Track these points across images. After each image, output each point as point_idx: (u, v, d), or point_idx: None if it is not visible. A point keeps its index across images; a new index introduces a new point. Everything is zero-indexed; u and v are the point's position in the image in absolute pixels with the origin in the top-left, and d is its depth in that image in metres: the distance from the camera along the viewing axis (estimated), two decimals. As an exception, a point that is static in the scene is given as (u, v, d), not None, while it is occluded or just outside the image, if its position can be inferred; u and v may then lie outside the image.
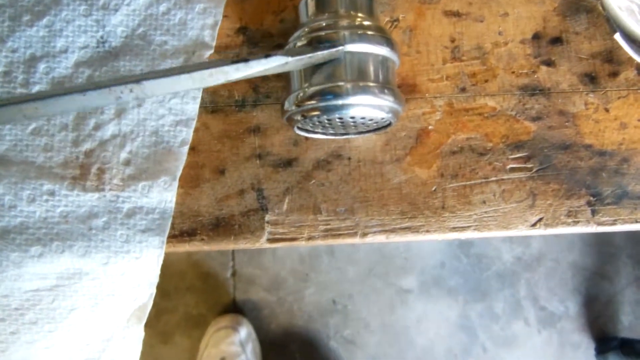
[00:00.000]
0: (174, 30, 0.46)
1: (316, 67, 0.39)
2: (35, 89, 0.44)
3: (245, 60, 0.36)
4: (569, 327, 1.50)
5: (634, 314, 1.51)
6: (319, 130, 0.44)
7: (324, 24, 0.39)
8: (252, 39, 0.46)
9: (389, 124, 0.42)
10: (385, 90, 0.39)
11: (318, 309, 1.47)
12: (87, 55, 0.45)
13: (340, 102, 0.38)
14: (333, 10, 0.40)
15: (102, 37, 0.45)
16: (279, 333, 1.45)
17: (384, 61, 0.40)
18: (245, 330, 1.35)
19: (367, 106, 0.38)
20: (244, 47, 0.46)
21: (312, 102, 0.38)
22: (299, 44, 0.39)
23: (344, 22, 0.39)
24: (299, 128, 0.43)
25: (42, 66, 0.45)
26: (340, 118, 0.40)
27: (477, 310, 1.49)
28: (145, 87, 0.34)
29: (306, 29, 0.40)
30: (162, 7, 0.46)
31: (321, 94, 0.38)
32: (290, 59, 0.37)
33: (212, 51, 0.46)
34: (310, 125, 0.42)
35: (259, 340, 1.40)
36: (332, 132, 0.44)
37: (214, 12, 0.46)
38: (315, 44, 0.39)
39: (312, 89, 0.39)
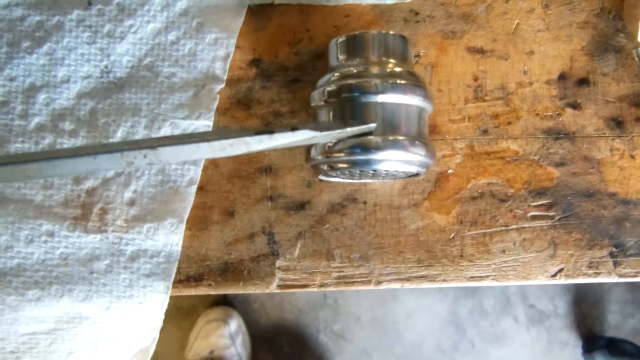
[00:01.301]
0: (183, 61, 0.43)
1: (346, 113, 0.37)
2: (35, 120, 0.42)
3: (270, 132, 0.33)
4: (557, 325, 1.51)
5: (622, 313, 1.52)
6: (344, 177, 0.42)
7: (354, 71, 0.37)
8: (266, 71, 0.44)
9: (417, 174, 0.40)
10: (417, 143, 0.37)
11: (308, 302, 1.46)
12: (90, 85, 0.43)
13: (369, 157, 0.36)
14: (364, 55, 0.38)
15: (106, 66, 0.43)
16: (269, 326, 1.44)
17: (416, 111, 0.38)
18: (235, 323, 1.34)
19: (397, 161, 0.36)
20: (257, 81, 0.44)
21: (340, 155, 0.36)
22: (328, 89, 0.37)
23: (376, 70, 0.37)
24: (323, 175, 0.41)
25: (42, 96, 0.42)
26: (370, 170, 0.38)
27: (467, 306, 1.50)
28: (161, 154, 0.31)
29: (336, 74, 0.38)
30: (171, 36, 0.43)
31: (350, 147, 0.36)
32: (318, 134, 0.35)
33: (223, 85, 0.43)
34: (336, 173, 0.40)
35: (249, 334, 1.40)
36: (357, 178, 0.42)
37: (226, 42, 0.43)
38: (345, 92, 0.36)
39: (338, 143, 0.37)
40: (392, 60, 0.38)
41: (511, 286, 1.50)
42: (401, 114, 0.37)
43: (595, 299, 1.50)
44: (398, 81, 0.36)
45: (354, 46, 0.38)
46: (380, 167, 0.36)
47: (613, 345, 1.39)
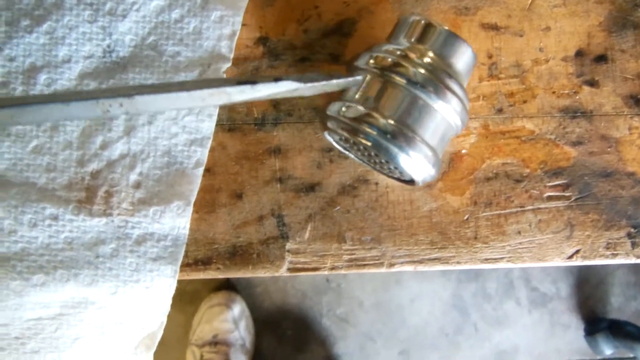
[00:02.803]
0: (188, 40, 0.42)
1: (375, 89, 0.36)
2: (36, 102, 0.41)
3: (252, 82, 0.32)
4: (560, 307, 1.51)
5: (624, 295, 1.52)
6: (345, 146, 0.40)
7: (409, 54, 0.36)
8: (274, 50, 0.43)
9: (412, 182, 0.39)
10: (431, 155, 0.36)
11: (312, 287, 1.46)
12: (92, 65, 0.41)
13: (380, 141, 0.35)
14: (427, 47, 0.37)
15: (108, 46, 0.41)
16: (272, 311, 1.44)
17: (443, 124, 0.36)
18: (238, 308, 1.34)
19: (404, 158, 0.35)
20: (264, 60, 0.43)
21: (356, 123, 0.35)
22: (375, 54, 0.36)
23: (429, 63, 0.36)
24: (329, 134, 0.40)
25: (42, 77, 0.41)
26: (374, 154, 0.37)
27: (470, 289, 1.50)
28: (138, 102, 0.30)
29: (392, 48, 0.37)
30: (175, 14, 0.42)
31: (368, 122, 0.35)
32: (301, 85, 0.34)
33: (229, 64, 0.42)
34: (339, 138, 0.39)
35: (252, 318, 1.40)
36: (355, 155, 0.41)
37: (232, 20, 0.42)
38: (387, 67, 0.35)
39: (359, 110, 0.36)
40: (451, 67, 0.37)
41: (514, 270, 1.50)
42: (427, 115, 0.35)
43: (597, 281, 1.50)
44: (441, 83, 0.35)
45: (425, 34, 0.37)
46: (387, 155, 0.35)
47: (615, 327, 1.40)
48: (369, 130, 0.35)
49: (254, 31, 0.43)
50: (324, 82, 0.34)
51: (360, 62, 0.37)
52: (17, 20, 0.40)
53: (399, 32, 0.38)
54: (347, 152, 0.41)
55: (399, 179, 0.41)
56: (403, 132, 0.35)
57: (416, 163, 0.36)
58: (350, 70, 0.38)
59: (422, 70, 0.35)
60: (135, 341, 0.44)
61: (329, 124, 0.38)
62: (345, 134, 0.36)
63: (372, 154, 0.37)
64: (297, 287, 1.46)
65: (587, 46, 0.43)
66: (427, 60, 0.36)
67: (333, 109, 0.37)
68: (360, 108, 0.36)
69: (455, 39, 0.37)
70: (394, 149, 0.35)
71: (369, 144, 0.35)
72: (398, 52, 0.36)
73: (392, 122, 0.35)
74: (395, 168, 0.37)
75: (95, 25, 0.41)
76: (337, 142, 0.41)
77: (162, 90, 0.31)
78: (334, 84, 0.35)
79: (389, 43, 0.37)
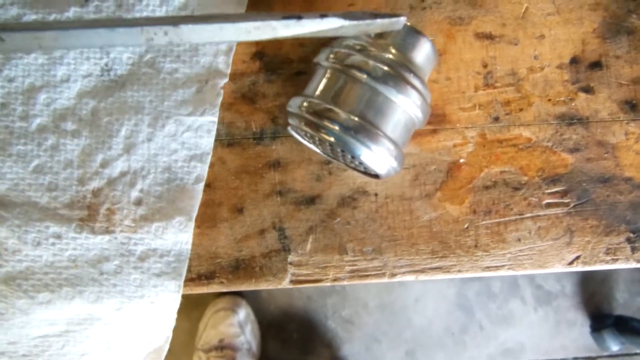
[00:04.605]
0: (185, 56, 0.42)
1: (335, 84, 0.36)
2: (36, 122, 0.41)
3: (298, 17, 0.32)
4: (565, 305, 1.51)
5: (629, 291, 1.52)
6: (309, 141, 0.41)
7: (369, 47, 0.36)
8: (270, 64, 0.43)
9: (376, 176, 0.39)
10: (393, 149, 0.36)
11: (316, 289, 1.46)
12: (90, 84, 0.42)
13: (342, 136, 0.35)
14: (388, 42, 0.37)
15: (106, 64, 0.42)
16: (277, 314, 1.45)
17: (404, 117, 0.37)
18: (244, 312, 1.35)
19: (366, 153, 0.35)
20: (261, 74, 0.43)
21: (317, 119, 0.36)
22: (336, 49, 0.37)
23: (388, 57, 0.36)
24: (293, 129, 0.40)
25: (42, 97, 0.41)
26: (339, 149, 0.37)
27: (475, 289, 1.50)
28: (183, 32, 0.29)
29: (352, 43, 0.37)
30: (172, 32, 0.42)
31: (329, 118, 0.35)
32: (346, 22, 0.33)
33: (227, 79, 0.42)
34: (304, 134, 0.39)
35: (258, 321, 1.40)
36: (320, 149, 0.41)
37: (229, 36, 0.42)
38: (344, 62, 0.36)
39: (320, 105, 0.36)
40: (411, 61, 0.37)
41: (518, 268, 1.49)
42: (388, 109, 0.36)
43: (602, 278, 1.50)
44: (401, 78, 0.35)
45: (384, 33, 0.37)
46: (345, 147, 0.35)
47: (621, 323, 1.39)
48: (330, 125, 0.35)
49: (250, 46, 0.43)
50: (368, 21, 0.34)
51: (321, 58, 0.38)
52: (16, 42, 0.41)
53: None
54: (312, 147, 0.42)
55: (365, 173, 0.41)
56: (365, 127, 0.35)
57: (379, 157, 0.36)
58: (312, 66, 0.39)
59: (382, 65, 0.35)
60: (141, 356, 0.44)
61: (291, 120, 0.38)
62: (308, 130, 0.36)
63: (337, 149, 0.37)
64: (302, 290, 1.46)
65: (582, 53, 0.44)
66: (387, 55, 0.36)
67: (294, 104, 0.37)
68: (322, 104, 0.36)
69: (415, 34, 0.37)
70: (357, 144, 0.35)
71: (332, 139, 0.35)
72: (358, 47, 0.36)
73: (353, 117, 0.35)
74: (360, 163, 0.38)
75: (93, 44, 0.41)
76: (302, 137, 0.41)
77: (207, 21, 0.31)
78: (378, 23, 0.34)
79: (350, 38, 0.37)
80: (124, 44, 0.31)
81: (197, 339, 1.34)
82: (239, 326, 1.32)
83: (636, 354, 1.47)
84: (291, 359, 1.44)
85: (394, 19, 0.35)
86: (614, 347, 1.39)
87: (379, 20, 0.34)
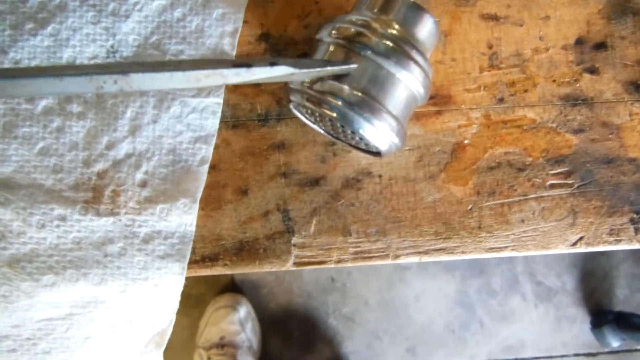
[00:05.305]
0: (191, 38, 0.42)
1: (347, 58, 0.36)
2: (42, 104, 0.41)
3: (248, 65, 0.32)
4: (566, 301, 1.51)
5: (630, 287, 1.52)
6: (310, 119, 0.41)
7: (372, 23, 0.36)
8: (275, 46, 0.43)
9: (379, 154, 0.39)
10: (395, 125, 0.36)
11: (317, 287, 1.46)
12: (96, 66, 0.41)
13: (346, 111, 0.35)
14: (391, 18, 0.37)
15: (112, 46, 0.42)
16: (278, 311, 1.45)
17: (406, 92, 0.36)
18: (244, 309, 1.35)
19: (369, 129, 0.35)
20: (266, 56, 0.43)
21: (320, 95, 0.35)
22: (338, 25, 0.36)
23: (391, 32, 0.36)
24: (294, 107, 0.40)
25: (47, 79, 0.41)
26: (340, 125, 0.37)
27: (475, 286, 1.50)
28: (132, 80, 0.29)
29: (354, 19, 0.37)
30: (177, 13, 0.42)
31: (332, 93, 0.35)
32: (297, 70, 0.34)
33: (231, 61, 0.42)
34: (305, 110, 0.39)
35: (258, 319, 1.40)
36: (321, 127, 0.41)
37: (234, 17, 0.42)
38: (348, 38, 0.36)
39: (321, 82, 0.36)
40: (413, 37, 0.37)
41: (519, 264, 1.49)
42: (391, 85, 0.36)
43: (603, 274, 1.50)
44: (404, 54, 0.35)
45: (387, 4, 0.37)
46: (346, 123, 0.35)
47: (622, 319, 1.40)
48: (333, 101, 0.35)
49: (255, 28, 0.43)
50: (319, 69, 0.34)
51: (323, 34, 0.37)
52: (21, 24, 0.41)
53: (362, 3, 0.38)
54: (313, 126, 0.42)
55: (365, 151, 0.41)
56: (368, 103, 0.35)
57: (381, 133, 0.36)
58: (314, 42, 0.38)
59: (385, 41, 0.35)
60: (145, 339, 0.44)
61: (293, 97, 0.38)
62: (310, 106, 0.36)
63: (338, 125, 0.37)
64: (303, 287, 1.46)
65: (587, 34, 0.44)
66: (390, 30, 0.36)
67: (295, 83, 0.37)
68: (321, 81, 0.36)
69: (418, 10, 0.37)
70: (360, 120, 0.35)
71: (334, 115, 0.35)
72: (360, 23, 0.36)
73: (356, 92, 0.35)
74: (361, 139, 0.38)
75: (98, 26, 0.41)
76: (303, 115, 0.41)
77: (157, 69, 0.31)
78: (329, 70, 0.35)
79: (352, 14, 0.37)
80: (74, 92, 0.31)
81: (197, 337, 1.34)
82: (239, 324, 1.32)
83: (637, 350, 1.47)
84: (292, 357, 1.44)
85: (344, 66, 0.35)
86: (615, 343, 1.39)
87: (329, 68, 0.35)
